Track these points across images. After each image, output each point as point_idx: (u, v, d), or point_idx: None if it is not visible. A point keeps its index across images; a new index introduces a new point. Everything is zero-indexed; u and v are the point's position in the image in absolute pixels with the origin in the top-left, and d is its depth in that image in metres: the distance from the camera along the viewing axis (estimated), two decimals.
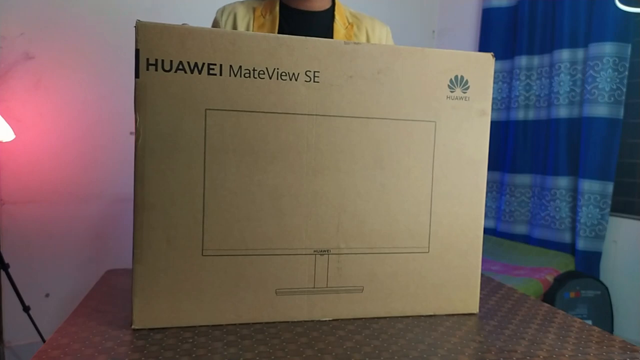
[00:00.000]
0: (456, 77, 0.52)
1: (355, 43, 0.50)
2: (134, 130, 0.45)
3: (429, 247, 0.53)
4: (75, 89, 1.67)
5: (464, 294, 0.55)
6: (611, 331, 1.73)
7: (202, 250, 0.47)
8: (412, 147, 0.52)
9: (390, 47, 0.51)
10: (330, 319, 0.52)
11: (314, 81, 0.49)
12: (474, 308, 0.55)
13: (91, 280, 0.74)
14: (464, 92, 0.53)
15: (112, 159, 1.75)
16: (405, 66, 0.51)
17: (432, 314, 0.55)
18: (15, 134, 1.45)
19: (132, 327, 0.47)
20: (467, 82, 0.53)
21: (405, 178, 0.52)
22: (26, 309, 1.41)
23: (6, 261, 1.40)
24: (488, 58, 0.53)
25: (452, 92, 0.52)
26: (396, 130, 0.52)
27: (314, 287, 0.51)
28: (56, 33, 1.64)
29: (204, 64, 0.46)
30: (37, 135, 1.66)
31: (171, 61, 0.45)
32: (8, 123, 1.43)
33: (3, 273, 1.40)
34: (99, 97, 1.70)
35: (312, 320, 0.51)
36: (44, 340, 1.47)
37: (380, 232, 0.52)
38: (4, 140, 1.43)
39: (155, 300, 0.47)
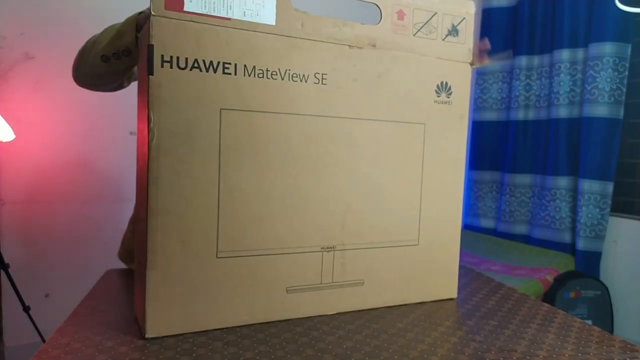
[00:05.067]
0: (442, 82, 0.57)
1: (358, 47, 0.51)
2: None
3: (418, 240, 0.57)
4: (75, 89, 1.67)
5: (445, 281, 0.60)
6: (611, 331, 1.73)
7: (217, 252, 0.47)
8: (405, 147, 0.55)
9: (390, 53, 0.53)
10: (335, 312, 0.53)
11: (322, 83, 0.50)
12: (453, 293, 0.61)
13: (91, 280, 0.74)
14: (448, 97, 0.57)
15: (112, 159, 1.75)
16: (402, 71, 0.54)
17: (420, 301, 0.58)
18: (15, 134, 1.45)
19: (146, 336, 0.45)
20: (450, 87, 0.57)
21: (400, 176, 0.55)
22: (26, 309, 1.41)
23: (6, 261, 1.40)
24: (467, 67, 0.58)
25: (438, 96, 0.57)
26: (393, 131, 0.54)
27: (321, 283, 0.52)
28: (56, 33, 1.64)
29: (219, 62, 0.45)
30: (37, 135, 1.66)
31: (186, 58, 0.44)
32: (8, 123, 1.43)
33: (3, 273, 1.40)
34: (99, 97, 1.70)
35: (312, 320, 0.51)
36: (44, 340, 1.47)
37: (378, 228, 0.55)
38: (4, 140, 1.43)
39: (169, 306, 0.46)
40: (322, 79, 0.50)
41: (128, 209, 1.81)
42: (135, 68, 0.76)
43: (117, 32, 0.67)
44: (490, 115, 2.29)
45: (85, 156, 1.73)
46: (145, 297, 0.45)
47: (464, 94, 0.58)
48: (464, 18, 0.57)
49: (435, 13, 0.55)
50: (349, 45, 0.51)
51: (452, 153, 0.58)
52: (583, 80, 1.87)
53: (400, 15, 0.53)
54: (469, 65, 0.58)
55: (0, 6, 1.57)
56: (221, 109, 0.46)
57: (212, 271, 0.47)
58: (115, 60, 0.68)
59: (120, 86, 0.81)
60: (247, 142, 0.47)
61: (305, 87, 0.49)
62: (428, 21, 0.55)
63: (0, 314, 1.56)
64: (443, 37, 0.56)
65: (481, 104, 2.31)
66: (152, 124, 0.43)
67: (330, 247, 0.52)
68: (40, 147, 1.67)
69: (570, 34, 1.90)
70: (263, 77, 0.47)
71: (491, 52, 0.79)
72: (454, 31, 0.56)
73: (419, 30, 0.54)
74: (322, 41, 0.50)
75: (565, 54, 1.91)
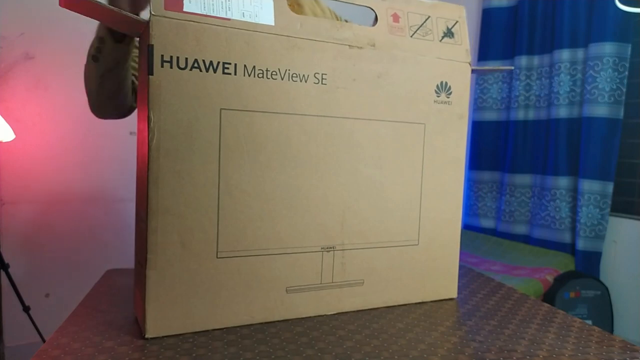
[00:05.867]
0: (441, 82, 0.56)
1: (358, 47, 0.51)
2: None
3: (418, 240, 0.57)
4: (75, 89, 1.67)
5: (445, 281, 0.60)
6: (611, 331, 1.73)
7: (217, 252, 0.47)
8: (406, 147, 0.55)
9: (389, 53, 0.53)
10: (335, 312, 0.53)
11: (322, 83, 0.50)
12: (453, 293, 0.61)
13: (91, 280, 0.74)
14: (448, 97, 0.57)
15: (112, 159, 1.75)
16: (401, 71, 0.54)
17: (420, 301, 0.58)
18: (15, 134, 1.45)
19: (146, 336, 0.45)
20: (450, 87, 0.57)
21: (400, 176, 0.55)
22: (26, 309, 1.42)
23: (6, 261, 1.40)
24: (467, 67, 0.58)
25: (438, 96, 0.56)
26: (393, 131, 0.54)
27: (321, 283, 0.52)
28: (56, 33, 1.64)
29: (219, 62, 0.45)
30: (37, 135, 1.66)
31: (186, 59, 0.44)
32: (8, 123, 1.43)
33: (3, 273, 1.40)
34: None
35: (312, 320, 0.51)
36: (44, 340, 1.47)
37: (378, 228, 0.55)
38: (4, 140, 1.43)
39: (169, 307, 0.45)
40: (322, 78, 0.50)
41: (128, 209, 1.81)
42: (129, 81, 0.78)
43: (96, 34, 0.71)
44: (490, 115, 2.29)
45: (85, 156, 1.73)
46: (145, 297, 0.45)
47: (463, 94, 0.58)
48: (457, 21, 0.57)
49: (429, 17, 0.56)
50: (349, 45, 0.51)
51: (452, 153, 0.58)
52: (583, 80, 1.87)
53: (395, 18, 0.54)
54: (469, 65, 0.58)
55: (0, 6, 1.57)
56: (221, 109, 0.46)
57: (212, 271, 0.47)
58: (100, 55, 0.71)
59: (129, 104, 0.83)
60: (247, 142, 0.47)
61: (305, 87, 0.49)
62: (423, 24, 0.55)
63: (0, 314, 1.56)
64: (440, 39, 0.56)
65: (481, 104, 2.31)
66: (152, 124, 0.43)
67: (330, 247, 0.52)
68: (40, 147, 1.67)
69: (570, 34, 1.90)
70: (263, 77, 0.47)
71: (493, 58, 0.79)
72: (449, 33, 0.56)
73: (415, 32, 0.54)
74: (322, 41, 0.50)
75: (565, 54, 1.91)
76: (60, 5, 0.43)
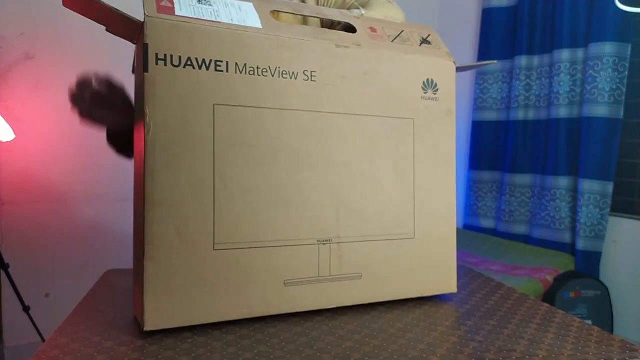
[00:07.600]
0: (428, 80, 0.58)
1: (345, 47, 0.53)
2: None
3: (414, 234, 0.58)
4: None
5: (444, 276, 0.60)
6: (611, 331, 1.73)
7: (214, 244, 0.47)
8: (397, 142, 0.56)
9: (374, 52, 0.55)
10: (334, 306, 0.53)
11: (312, 80, 0.51)
12: (453, 288, 0.61)
13: (91, 280, 0.74)
14: (435, 94, 0.58)
15: (112, 159, 1.75)
16: (388, 69, 0.56)
17: (420, 295, 0.58)
18: (15, 134, 1.45)
19: (145, 329, 0.45)
20: (436, 84, 0.59)
21: (392, 170, 0.56)
22: (26, 309, 1.42)
23: (6, 261, 1.40)
24: (451, 64, 0.60)
25: (425, 93, 0.58)
26: (384, 126, 0.56)
27: (319, 276, 0.52)
28: (56, 33, 1.64)
29: (211, 60, 0.47)
30: (37, 135, 1.66)
31: (180, 57, 0.46)
32: (8, 123, 1.43)
33: (3, 273, 1.41)
34: None
35: (312, 320, 0.51)
36: (44, 340, 1.47)
37: (373, 221, 0.55)
38: (4, 140, 1.43)
39: (167, 299, 0.46)
40: (312, 76, 0.51)
41: (128, 209, 1.81)
42: None
43: None
44: (490, 115, 2.29)
45: (85, 156, 1.73)
46: (144, 289, 0.45)
47: (450, 91, 0.59)
48: (430, 34, 0.60)
49: (403, 30, 0.59)
50: (336, 45, 0.53)
51: (442, 148, 0.59)
52: (583, 80, 1.87)
53: (373, 29, 0.57)
54: (453, 64, 0.59)
55: (0, 6, 1.57)
56: (214, 105, 0.47)
57: (210, 263, 0.47)
58: None
59: None
60: (240, 136, 0.48)
61: (295, 83, 0.51)
62: (399, 35, 0.58)
63: (0, 314, 1.56)
64: (419, 45, 0.58)
65: (481, 104, 2.31)
66: (147, 119, 0.44)
67: (326, 240, 0.52)
68: (40, 147, 1.67)
69: (570, 34, 1.90)
70: (254, 74, 0.49)
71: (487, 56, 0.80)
72: (426, 42, 0.59)
73: (393, 40, 0.57)
74: (309, 40, 0.51)
75: (565, 54, 1.91)
76: (63, 5, 0.44)
